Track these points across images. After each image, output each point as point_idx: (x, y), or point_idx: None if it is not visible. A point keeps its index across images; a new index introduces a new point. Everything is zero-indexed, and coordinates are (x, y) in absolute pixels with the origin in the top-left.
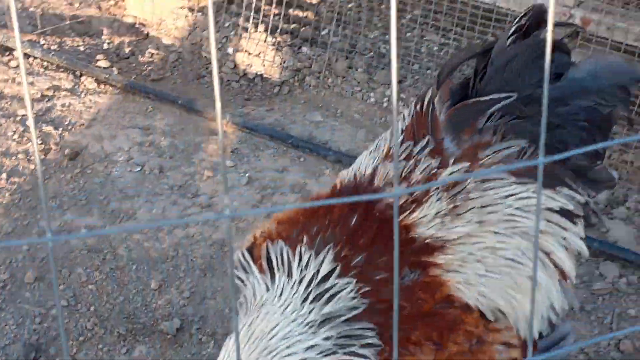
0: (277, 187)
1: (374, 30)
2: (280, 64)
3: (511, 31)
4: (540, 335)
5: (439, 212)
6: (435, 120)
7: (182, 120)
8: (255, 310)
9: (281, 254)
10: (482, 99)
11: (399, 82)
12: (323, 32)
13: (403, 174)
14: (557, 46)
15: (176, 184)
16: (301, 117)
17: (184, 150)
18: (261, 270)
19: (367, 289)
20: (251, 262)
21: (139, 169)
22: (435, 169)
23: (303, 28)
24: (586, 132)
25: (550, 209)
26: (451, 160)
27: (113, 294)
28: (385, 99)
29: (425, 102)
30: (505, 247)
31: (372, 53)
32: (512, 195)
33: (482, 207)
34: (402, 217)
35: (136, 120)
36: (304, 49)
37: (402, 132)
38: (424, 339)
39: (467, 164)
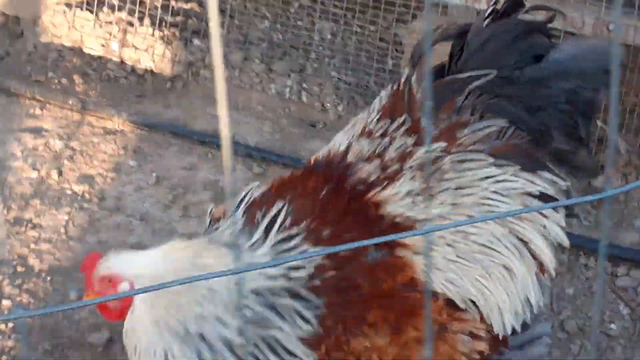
0: (188, 186)
1: (264, 20)
2: (172, 58)
3: (487, 12)
4: (514, 332)
5: (411, 191)
6: (412, 99)
7: (75, 121)
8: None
9: (257, 214)
10: (460, 76)
11: (299, 71)
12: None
13: (377, 151)
14: (538, 28)
15: (79, 189)
16: (202, 111)
17: (82, 152)
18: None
19: (327, 263)
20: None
21: (35, 174)
22: (411, 147)
23: (190, 20)
24: (568, 116)
25: (529, 194)
26: (437, 133)
27: (30, 308)
28: (287, 89)
29: (402, 82)
30: (478, 233)
31: (266, 43)
32: (489, 177)
33: (458, 188)
34: (372, 193)
35: (25, 123)
36: (196, 41)
37: (380, 111)
38: (380, 321)
39: (444, 144)
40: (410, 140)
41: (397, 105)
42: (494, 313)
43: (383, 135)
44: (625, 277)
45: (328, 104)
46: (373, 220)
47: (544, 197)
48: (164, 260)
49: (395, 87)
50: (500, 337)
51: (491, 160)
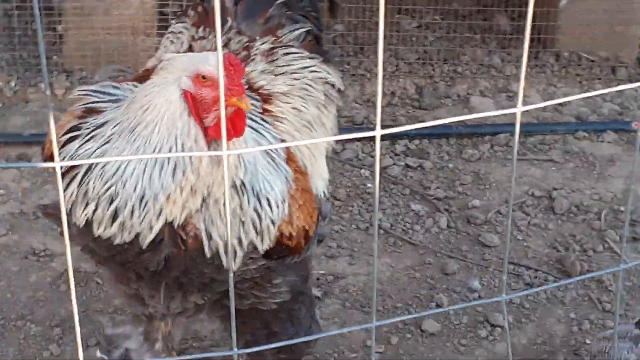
0: None
1: None
2: None
3: None
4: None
5: (263, 70)
6: (228, 11)
7: None
8: None
9: None
10: None
11: None
12: None
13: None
14: None
15: None
16: None
17: None
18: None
19: None
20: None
21: None
22: (247, 42)
23: None
24: (307, 12)
25: (327, 82)
26: (257, 36)
27: None
28: None
29: (206, 4)
30: (305, 112)
31: None
32: (307, 67)
33: (290, 73)
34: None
35: None
36: None
37: (197, 24)
38: None
39: (273, 38)
40: (244, 38)
41: (209, 21)
42: (316, 178)
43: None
44: None
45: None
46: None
47: (334, 86)
48: None
49: (196, 11)
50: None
51: (306, 54)
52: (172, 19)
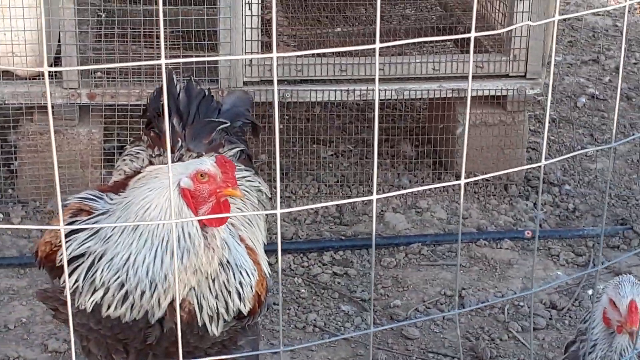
0: None
1: None
2: None
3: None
4: None
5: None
6: (178, 134)
7: None
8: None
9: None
10: (212, 119)
11: None
12: None
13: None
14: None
15: None
16: None
17: None
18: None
19: None
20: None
21: None
22: (196, 157)
23: None
24: (239, 136)
25: (258, 189)
26: (204, 153)
27: None
28: None
29: (157, 131)
30: (245, 212)
31: None
32: (244, 177)
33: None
34: None
35: None
36: None
37: (151, 147)
38: None
39: (216, 154)
40: (194, 154)
41: (162, 143)
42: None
43: (172, 153)
44: None
45: None
46: None
47: (261, 191)
48: None
49: (149, 136)
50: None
51: (243, 167)
52: (118, 151)
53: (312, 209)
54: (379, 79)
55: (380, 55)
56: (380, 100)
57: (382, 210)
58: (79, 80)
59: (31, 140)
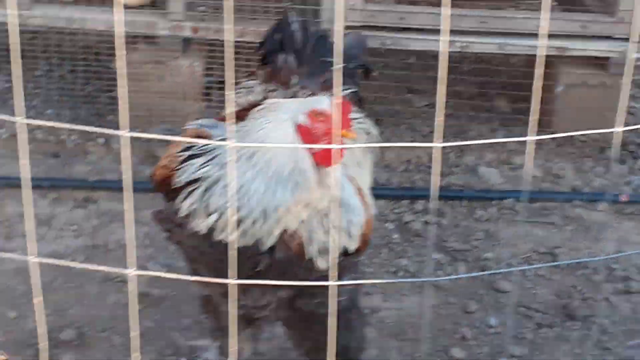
0: None
1: None
2: None
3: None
4: None
5: None
6: (293, 71)
7: None
8: None
9: None
10: (326, 59)
11: None
12: None
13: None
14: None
15: None
16: None
17: None
18: None
19: None
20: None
21: None
22: (311, 94)
23: None
24: (352, 78)
25: (365, 130)
26: (318, 92)
27: None
28: None
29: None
30: (356, 153)
31: None
32: (355, 119)
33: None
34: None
35: None
36: None
37: (258, 85)
38: None
39: (330, 93)
40: (308, 91)
41: (283, 77)
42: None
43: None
44: None
45: None
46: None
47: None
48: None
49: (268, 69)
50: None
51: (356, 108)
52: (218, 88)
53: (404, 157)
54: (480, 32)
55: (482, 8)
56: (478, 53)
57: (475, 164)
58: (184, 12)
59: (134, 69)
